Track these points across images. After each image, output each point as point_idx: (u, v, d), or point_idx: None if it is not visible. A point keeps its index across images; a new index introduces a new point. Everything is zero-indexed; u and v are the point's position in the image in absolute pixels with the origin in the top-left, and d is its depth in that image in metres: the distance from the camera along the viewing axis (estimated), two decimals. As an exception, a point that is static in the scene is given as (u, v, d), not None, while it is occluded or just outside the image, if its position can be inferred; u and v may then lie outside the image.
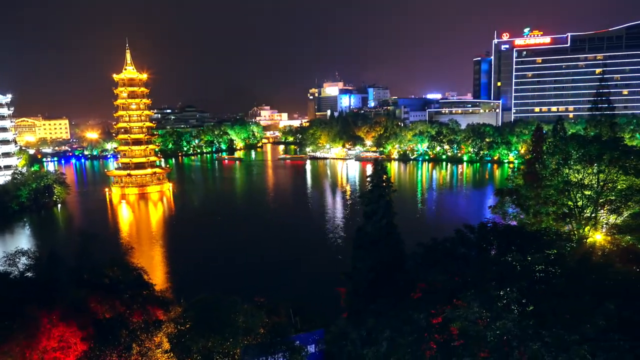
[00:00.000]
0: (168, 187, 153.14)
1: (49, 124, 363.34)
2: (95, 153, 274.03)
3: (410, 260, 32.75)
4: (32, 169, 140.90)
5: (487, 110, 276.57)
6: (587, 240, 41.70)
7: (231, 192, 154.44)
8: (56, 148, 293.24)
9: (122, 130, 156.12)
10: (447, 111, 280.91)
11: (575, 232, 43.73)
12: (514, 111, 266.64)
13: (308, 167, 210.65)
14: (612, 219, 43.17)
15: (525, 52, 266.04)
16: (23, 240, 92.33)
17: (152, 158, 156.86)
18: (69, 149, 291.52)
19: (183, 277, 64.88)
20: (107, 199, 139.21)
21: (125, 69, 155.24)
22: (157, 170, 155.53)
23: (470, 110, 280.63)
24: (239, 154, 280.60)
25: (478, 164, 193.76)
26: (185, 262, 74.01)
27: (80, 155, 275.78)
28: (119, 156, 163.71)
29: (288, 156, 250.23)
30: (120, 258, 33.54)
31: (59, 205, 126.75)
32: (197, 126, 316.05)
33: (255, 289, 42.49)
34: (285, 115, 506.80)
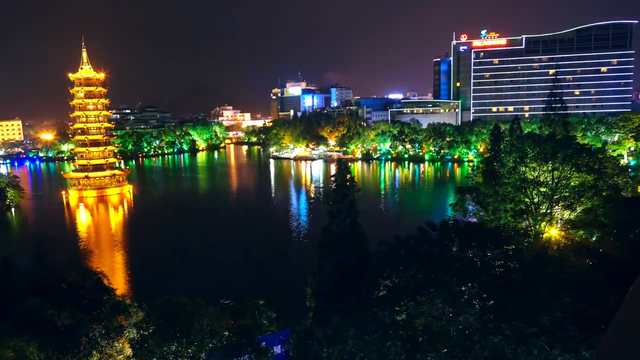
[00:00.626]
0: (128, 189, 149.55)
1: (0, 126, 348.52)
2: (50, 155, 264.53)
3: (375, 259, 33.11)
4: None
5: (447, 110, 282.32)
6: (543, 236, 43.17)
7: (194, 193, 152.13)
8: (8, 150, 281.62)
9: (79, 131, 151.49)
10: (408, 111, 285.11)
11: (532, 228, 45.23)
12: (473, 111, 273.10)
13: (272, 167, 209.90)
14: (566, 214, 44.89)
15: (482, 54, 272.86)
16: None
17: (111, 160, 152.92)
18: (23, 151, 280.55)
19: (145, 281, 63.56)
20: (64, 203, 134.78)
21: (82, 68, 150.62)
22: (117, 172, 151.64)
23: (431, 110, 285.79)
24: (201, 155, 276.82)
25: (439, 163, 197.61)
26: (147, 265, 72.51)
27: (35, 157, 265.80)
28: (76, 158, 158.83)
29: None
30: (79, 263, 32.56)
31: (13, 210, 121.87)
32: (157, 127, 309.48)
33: (220, 291, 42.09)
34: (248, 115, 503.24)
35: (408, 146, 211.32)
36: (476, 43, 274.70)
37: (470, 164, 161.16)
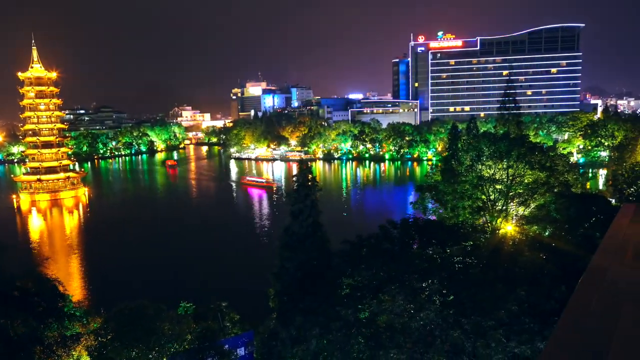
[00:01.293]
0: (84, 192, 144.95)
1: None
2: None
3: (337, 258, 33.34)
4: None
5: (406, 110, 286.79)
6: (500, 231, 44.56)
7: (153, 195, 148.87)
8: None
9: (30, 132, 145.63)
10: (368, 111, 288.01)
11: (489, 224, 46.63)
12: (431, 111, 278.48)
13: (233, 168, 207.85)
14: (521, 210, 46.51)
15: (439, 55, 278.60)
16: None
17: (65, 162, 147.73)
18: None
19: (104, 287, 61.83)
20: (15, 207, 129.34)
21: (32, 67, 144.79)
22: (71, 174, 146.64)
23: (391, 110, 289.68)
24: (159, 155, 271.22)
25: (399, 162, 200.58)
26: (105, 271, 70.46)
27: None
28: (27, 160, 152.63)
29: None
30: (32, 269, 31.39)
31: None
32: (113, 127, 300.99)
33: (182, 294, 41.41)
34: (208, 115, 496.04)
35: (369, 146, 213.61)
36: (433, 44, 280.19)
37: (430, 162, 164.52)
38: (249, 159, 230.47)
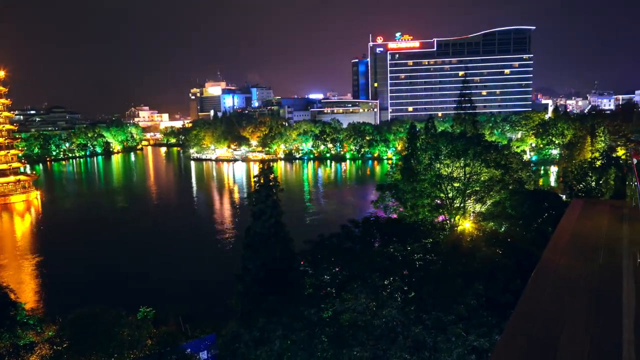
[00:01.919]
0: (35, 196, 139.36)
1: None
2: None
3: (300, 258, 33.39)
4: None
5: (366, 110, 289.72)
6: (458, 228, 45.71)
7: (109, 198, 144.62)
8: None
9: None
10: (329, 111, 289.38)
11: (448, 222, 47.75)
12: (391, 110, 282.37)
13: (192, 169, 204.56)
14: (478, 207, 47.83)
15: (398, 55, 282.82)
16: None
17: (15, 164, 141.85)
18: None
19: (58, 294, 59.66)
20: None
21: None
22: (22, 177, 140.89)
23: (351, 110, 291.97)
24: (115, 157, 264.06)
25: (360, 161, 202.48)
26: (59, 277, 67.91)
27: None
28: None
29: None
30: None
31: None
32: (67, 128, 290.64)
33: (141, 299, 40.47)
34: (166, 116, 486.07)
35: (330, 145, 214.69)
36: (391, 45, 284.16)
37: (390, 161, 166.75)
38: (209, 160, 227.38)
